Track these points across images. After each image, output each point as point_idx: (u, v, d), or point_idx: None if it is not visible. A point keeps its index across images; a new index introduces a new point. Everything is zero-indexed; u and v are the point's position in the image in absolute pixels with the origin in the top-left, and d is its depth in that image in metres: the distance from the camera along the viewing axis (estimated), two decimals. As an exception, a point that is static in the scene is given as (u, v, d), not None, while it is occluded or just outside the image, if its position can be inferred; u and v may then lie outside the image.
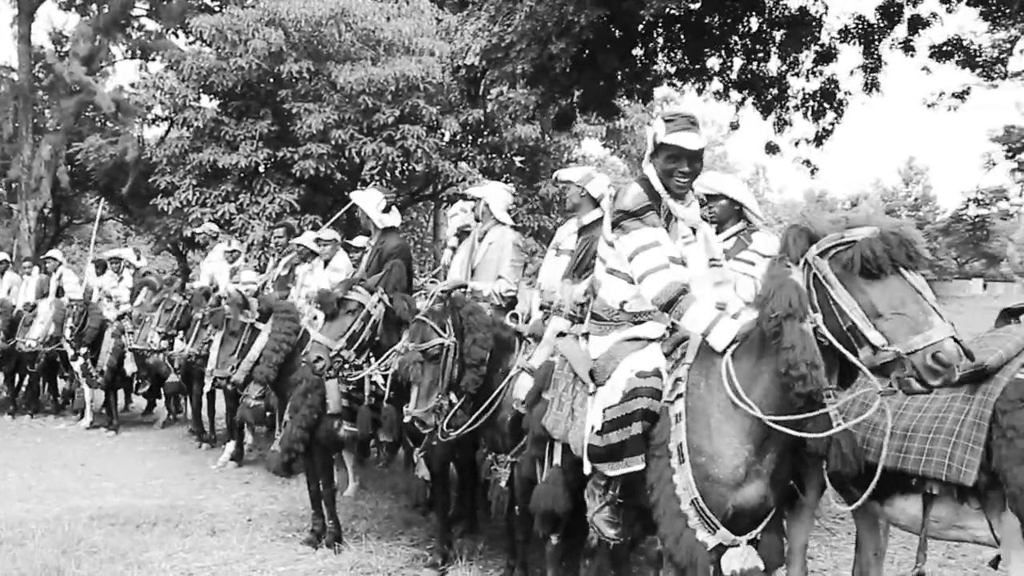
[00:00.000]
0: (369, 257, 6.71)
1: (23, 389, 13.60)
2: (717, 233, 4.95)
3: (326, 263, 8.64)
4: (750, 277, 4.73)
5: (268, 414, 7.75)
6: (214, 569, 5.91)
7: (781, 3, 11.77)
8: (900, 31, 12.10)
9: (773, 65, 12.48)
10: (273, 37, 18.24)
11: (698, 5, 11.23)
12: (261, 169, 19.46)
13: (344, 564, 5.92)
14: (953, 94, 14.03)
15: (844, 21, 12.17)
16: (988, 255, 58.91)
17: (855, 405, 3.28)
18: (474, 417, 5.09)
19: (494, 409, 5.08)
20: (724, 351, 3.41)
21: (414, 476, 5.85)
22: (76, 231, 33.13)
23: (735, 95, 12.70)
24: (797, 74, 12.48)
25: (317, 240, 8.88)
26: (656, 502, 3.46)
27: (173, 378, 10.47)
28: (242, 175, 19.35)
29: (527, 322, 5.41)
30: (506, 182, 22.20)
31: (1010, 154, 25.77)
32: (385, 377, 5.76)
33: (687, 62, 11.98)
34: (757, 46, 12.12)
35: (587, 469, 3.83)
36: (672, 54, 11.93)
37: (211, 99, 20.75)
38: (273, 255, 10.65)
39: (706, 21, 11.55)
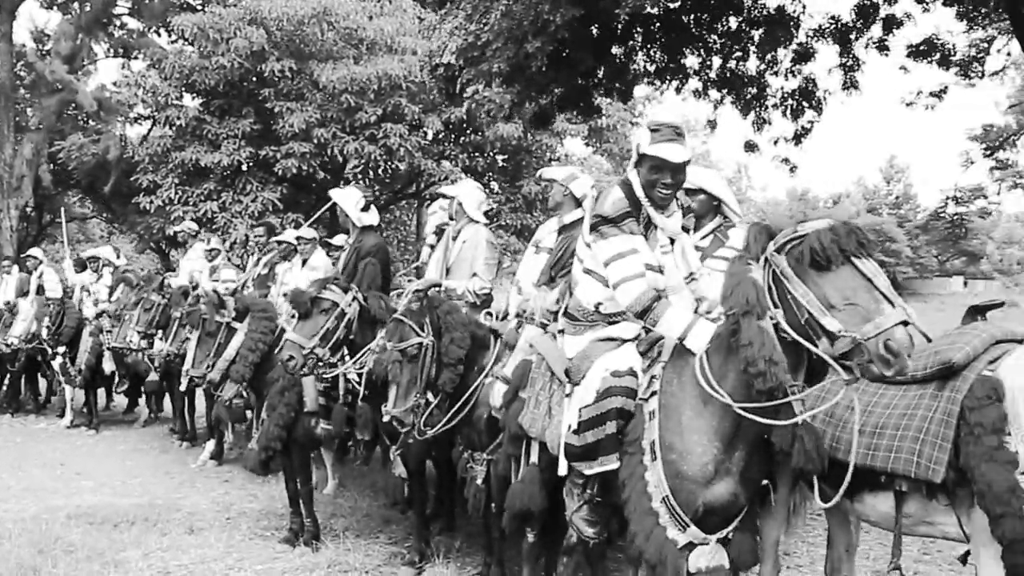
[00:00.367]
0: (347, 255, 6.72)
1: (3, 388, 13.48)
2: (696, 229, 4.99)
3: (304, 261, 8.65)
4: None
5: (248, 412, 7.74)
6: (191, 568, 5.89)
7: (759, 2, 11.77)
8: (876, 30, 12.14)
9: (752, 64, 12.48)
10: (255, 36, 18.22)
11: (676, 4, 11.24)
12: (244, 168, 19.44)
13: (322, 562, 5.92)
14: (931, 93, 14.15)
15: (819, 20, 12.20)
16: (968, 253, 59.42)
17: (819, 402, 3.30)
18: (450, 415, 5.09)
19: (470, 407, 5.08)
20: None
21: (392, 474, 5.86)
22: (58, 230, 32.92)
23: (714, 94, 12.71)
24: (776, 73, 12.47)
25: (298, 239, 8.89)
26: (627, 499, 3.46)
27: (153, 377, 10.43)
28: (224, 174, 19.34)
29: (503, 319, 5.43)
30: (488, 181, 22.34)
31: (988, 152, 25.86)
32: (360, 375, 5.75)
33: (666, 61, 11.97)
34: (735, 45, 12.12)
35: (563, 469, 3.84)
36: (651, 53, 11.91)
37: (193, 98, 20.74)
38: (253, 254, 10.61)
39: (684, 19, 11.56)
